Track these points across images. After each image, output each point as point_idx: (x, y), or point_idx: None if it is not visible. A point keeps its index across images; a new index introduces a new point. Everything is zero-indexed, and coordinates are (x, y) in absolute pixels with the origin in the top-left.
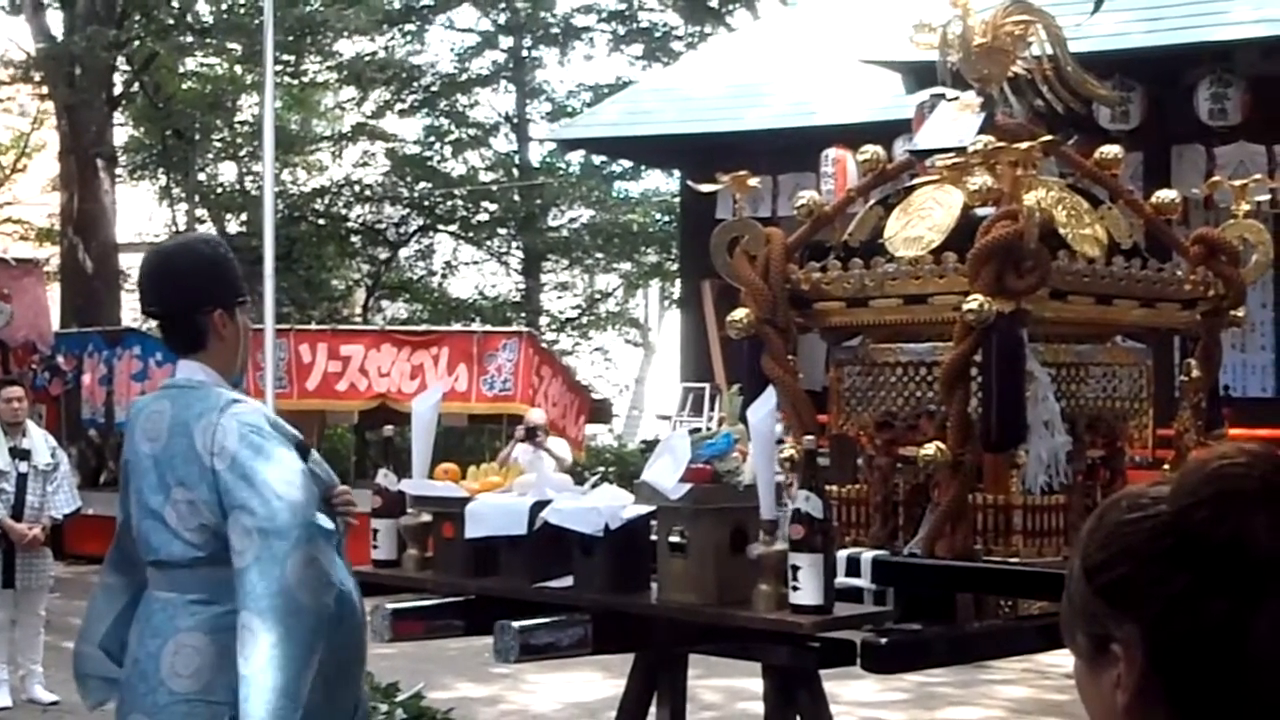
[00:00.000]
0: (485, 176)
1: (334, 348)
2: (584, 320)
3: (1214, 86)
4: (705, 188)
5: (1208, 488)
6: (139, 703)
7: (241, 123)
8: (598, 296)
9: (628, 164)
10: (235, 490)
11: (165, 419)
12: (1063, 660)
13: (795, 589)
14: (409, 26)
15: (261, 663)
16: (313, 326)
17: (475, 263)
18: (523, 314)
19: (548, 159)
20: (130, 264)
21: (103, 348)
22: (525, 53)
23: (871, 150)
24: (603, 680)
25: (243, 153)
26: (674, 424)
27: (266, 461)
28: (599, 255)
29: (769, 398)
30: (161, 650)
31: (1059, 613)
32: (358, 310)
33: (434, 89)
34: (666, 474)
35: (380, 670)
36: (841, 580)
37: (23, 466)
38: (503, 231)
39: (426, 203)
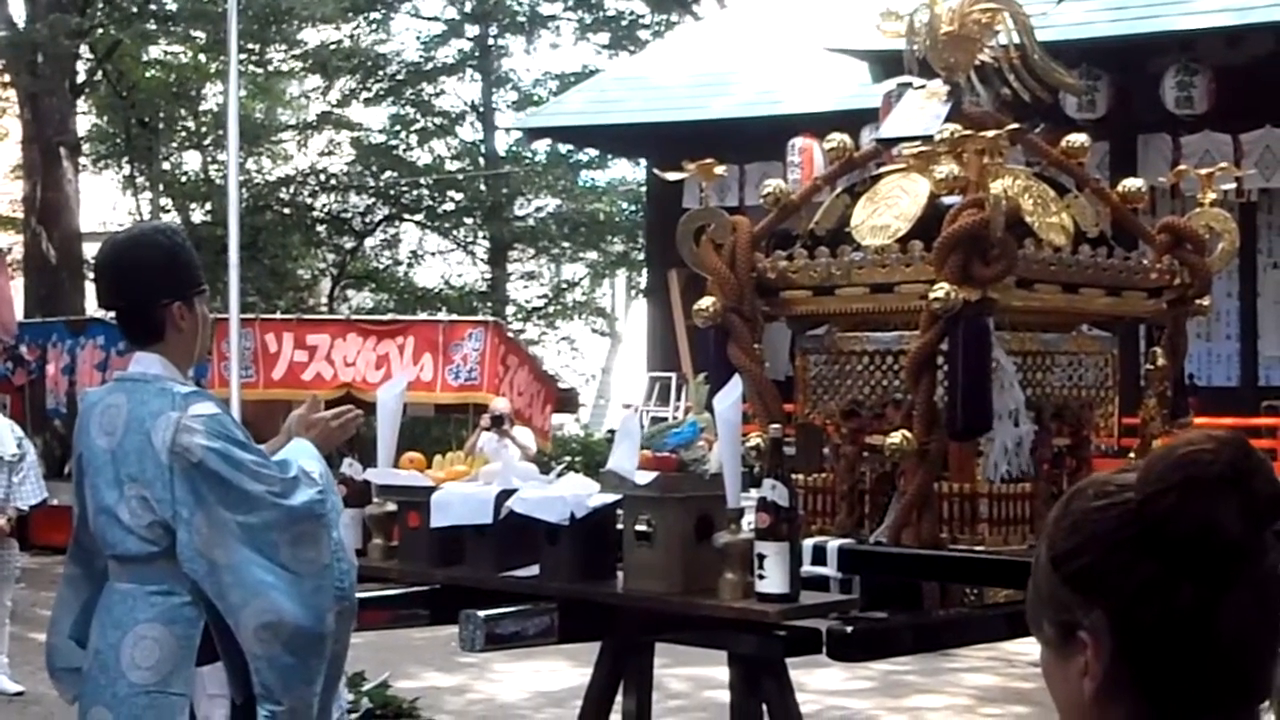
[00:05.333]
0: (451, 165)
1: (300, 337)
2: (550, 309)
3: (1180, 75)
4: (672, 176)
5: (1174, 475)
6: (99, 695)
7: (206, 111)
8: (564, 286)
9: (594, 153)
10: (202, 488)
11: (122, 414)
12: (1028, 648)
13: (761, 577)
14: (374, 15)
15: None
16: (278, 316)
17: (441, 252)
18: (489, 303)
19: (514, 148)
20: (94, 253)
21: (66, 337)
22: (491, 41)
23: (838, 139)
24: (569, 669)
25: (207, 141)
26: (638, 412)
27: (236, 458)
28: (565, 244)
29: (735, 386)
30: (121, 642)
31: (1025, 601)
32: (323, 300)
33: (399, 78)
34: (627, 459)
35: (346, 659)
36: (807, 569)
37: None
38: (469, 221)
39: (392, 192)
